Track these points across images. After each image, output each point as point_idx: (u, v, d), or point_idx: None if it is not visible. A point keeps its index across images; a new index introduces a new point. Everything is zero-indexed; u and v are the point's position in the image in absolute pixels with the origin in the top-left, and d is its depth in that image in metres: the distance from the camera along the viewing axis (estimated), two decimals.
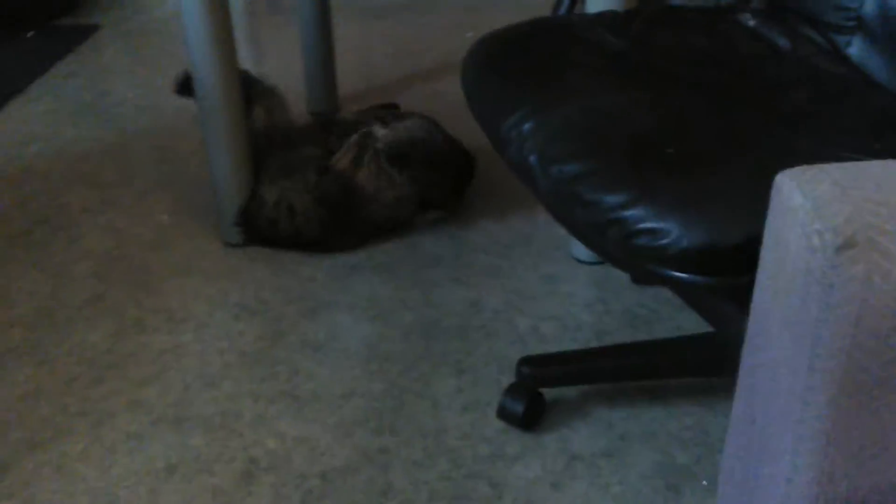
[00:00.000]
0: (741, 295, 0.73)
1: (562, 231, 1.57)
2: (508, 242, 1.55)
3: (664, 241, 0.72)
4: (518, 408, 1.13)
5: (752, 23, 1.14)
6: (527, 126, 0.92)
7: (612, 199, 0.77)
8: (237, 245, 1.55)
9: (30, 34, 2.67)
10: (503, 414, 1.15)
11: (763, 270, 0.58)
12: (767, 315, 0.56)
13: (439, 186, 1.60)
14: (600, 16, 1.18)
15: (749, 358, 0.61)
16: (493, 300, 1.39)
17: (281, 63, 2.40)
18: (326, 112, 2.01)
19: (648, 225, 0.73)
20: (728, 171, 0.77)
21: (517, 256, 1.51)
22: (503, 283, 1.44)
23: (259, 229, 1.52)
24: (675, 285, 0.85)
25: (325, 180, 1.51)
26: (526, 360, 1.15)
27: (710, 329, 1.25)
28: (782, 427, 0.52)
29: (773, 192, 0.56)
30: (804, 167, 0.54)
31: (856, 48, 1.02)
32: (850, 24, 1.04)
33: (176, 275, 1.48)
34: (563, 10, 1.30)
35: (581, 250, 1.48)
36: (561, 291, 1.41)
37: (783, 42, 1.09)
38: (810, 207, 0.49)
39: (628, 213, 0.75)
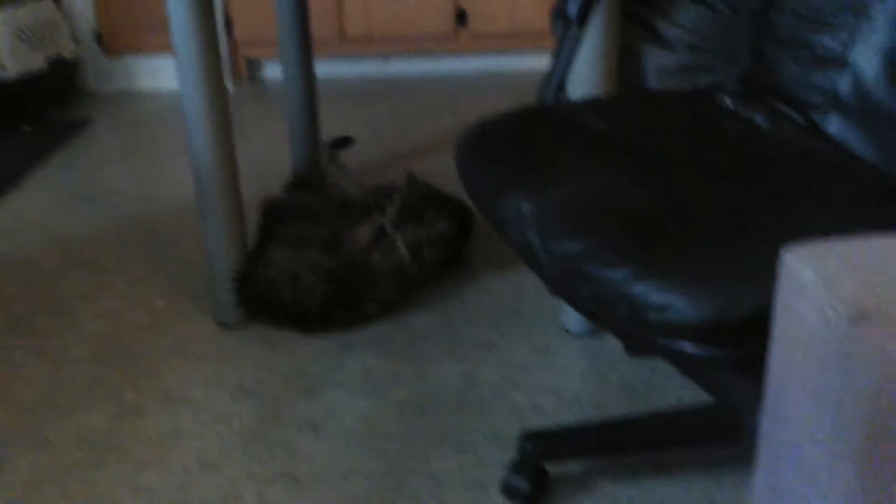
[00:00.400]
0: (747, 365, 0.77)
1: (551, 303, 1.60)
2: (498, 316, 1.58)
3: (673, 315, 0.75)
4: (522, 484, 1.14)
5: (730, 103, 1.21)
6: (525, 206, 0.96)
7: (617, 274, 0.80)
8: (232, 326, 1.56)
9: (26, 128, 2.72)
10: (507, 491, 1.16)
11: (776, 342, 0.61)
12: (785, 384, 0.59)
13: (447, 237, 1.65)
14: (585, 102, 1.25)
15: (769, 426, 0.64)
16: (488, 374, 1.41)
17: (268, 147, 2.46)
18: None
19: (655, 300, 0.76)
20: (728, 245, 0.82)
21: (508, 330, 1.54)
22: (496, 356, 1.46)
23: (258, 291, 1.51)
24: (677, 357, 0.88)
25: (338, 260, 1.54)
26: (528, 435, 1.16)
27: (708, 399, 1.28)
28: (808, 496, 0.54)
29: (782, 268, 0.59)
30: (810, 243, 0.58)
31: (834, 125, 1.08)
32: (827, 102, 1.10)
33: (173, 357, 1.49)
34: (548, 97, 1.37)
35: (572, 322, 1.51)
36: (555, 364, 1.43)
37: (763, 121, 1.15)
38: (821, 282, 0.52)
39: (635, 288, 0.78)
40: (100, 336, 1.56)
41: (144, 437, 1.30)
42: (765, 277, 0.63)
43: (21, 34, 2.74)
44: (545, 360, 1.45)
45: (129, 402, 1.37)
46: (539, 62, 3.18)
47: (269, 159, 2.36)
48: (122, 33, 3.11)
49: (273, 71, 3.31)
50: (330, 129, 2.58)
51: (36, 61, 2.78)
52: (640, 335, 0.82)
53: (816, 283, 0.50)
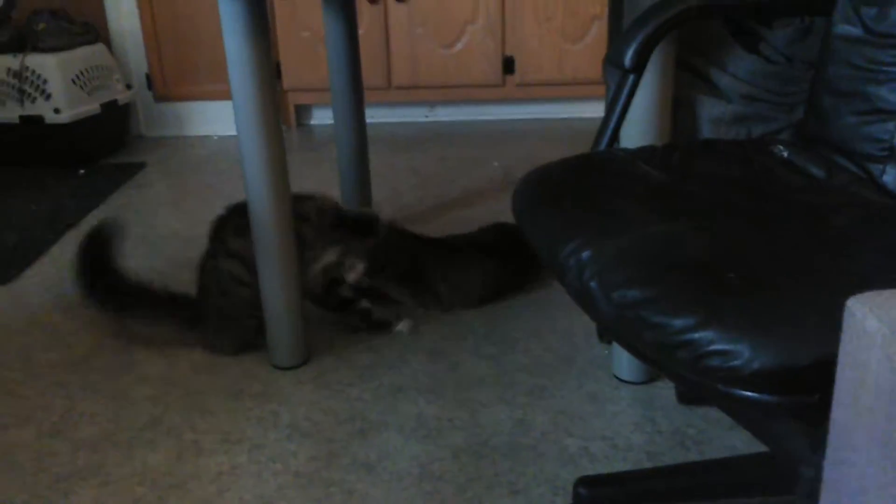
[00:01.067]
0: (809, 413, 0.77)
1: (602, 350, 1.61)
2: (550, 362, 1.59)
3: (736, 363, 0.76)
4: None
5: (785, 153, 1.22)
6: (585, 254, 0.98)
7: (679, 322, 0.81)
8: (285, 368, 1.59)
9: (82, 172, 2.82)
10: None
11: (841, 389, 0.62)
12: (850, 432, 0.60)
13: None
14: (640, 150, 1.26)
15: (832, 474, 0.64)
16: (540, 420, 1.42)
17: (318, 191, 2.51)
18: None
19: (719, 347, 0.77)
20: (789, 293, 0.82)
21: (560, 376, 1.54)
22: (548, 402, 1.46)
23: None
24: (735, 404, 0.88)
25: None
26: (583, 481, 1.16)
27: (763, 449, 1.27)
28: None
29: (846, 317, 0.60)
30: (874, 292, 0.59)
31: (891, 176, 1.09)
32: (884, 153, 1.11)
33: (228, 397, 1.51)
34: (602, 146, 1.39)
35: (624, 370, 1.51)
36: (607, 411, 1.43)
37: (818, 171, 1.16)
38: (887, 330, 0.53)
39: (697, 335, 0.79)
40: (158, 376, 1.59)
41: (204, 475, 1.32)
42: (828, 325, 0.64)
43: (76, 79, 2.84)
44: (597, 406, 1.45)
45: (188, 440, 1.40)
46: (587, 110, 3.22)
47: None
48: (172, 79, 3.22)
49: (319, 117, 3.39)
50: (377, 174, 2.62)
51: (90, 105, 2.88)
52: (702, 382, 0.83)
53: (882, 331, 0.51)
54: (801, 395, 0.75)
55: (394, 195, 2.50)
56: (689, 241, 0.97)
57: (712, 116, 1.40)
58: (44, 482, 1.31)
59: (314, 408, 1.48)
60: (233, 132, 3.21)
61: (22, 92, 2.81)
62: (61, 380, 1.60)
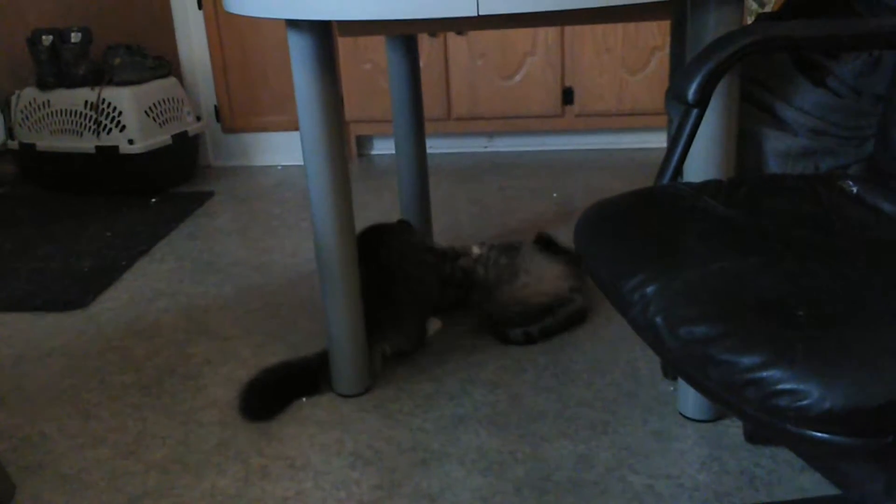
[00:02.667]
0: (883, 455, 0.76)
1: (666, 387, 1.59)
2: (613, 397, 1.58)
3: (805, 402, 0.75)
4: None
5: (854, 188, 1.20)
6: (650, 289, 0.98)
7: (747, 360, 0.81)
8: (349, 396, 1.61)
9: (153, 200, 2.92)
10: None
11: None
12: None
13: None
14: (705, 185, 1.26)
15: None
16: (604, 456, 1.41)
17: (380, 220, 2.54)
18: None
19: (788, 386, 0.76)
20: (862, 331, 0.81)
21: (623, 412, 1.53)
22: (611, 438, 1.46)
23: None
24: (805, 445, 0.87)
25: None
26: None
27: (834, 491, 1.24)
28: None
29: None
30: None
31: None
32: None
33: (293, 423, 1.54)
34: (665, 179, 1.39)
35: (689, 407, 1.49)
36: (673, 449, 1.42)
37: (888, 207, 1.14)
38: None
39: (766, 373, 0.78)
40: (226, 401, 1.63)
41: (270, 499, 1.34)
42: None
43: (149, 111, 2.95)
44: (662, 444, 1.43)
45: (255, 465, 1.43)
46: (647, 140, 3.21)
47: None
48: (239, 111, 3.31)
49: (381, 147, 3.44)
50: (438, 204, 2.65)
51: (162, 137, 2.99)
52: (770, 422, 0.82)
53: None
54: (873, 437, 0.74)
55: (454, 225, 2.52)
56: (758, 277, 0.96)
57: (779, 150, 1.39)
58: (117, 502, 1.35)
59: (377, 436, 1.49)
60: (297, 162, 3.29)
61: (98, 123, 2.93)
62: (135, 402, 1.65)
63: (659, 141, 3.13)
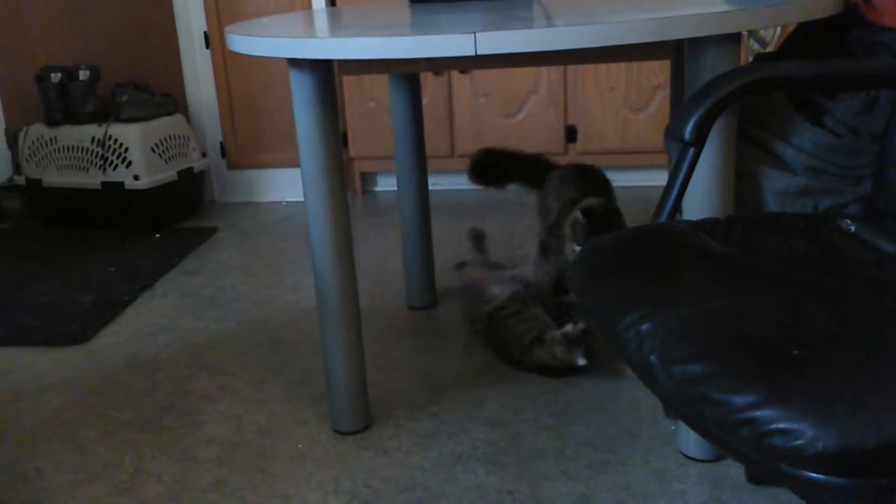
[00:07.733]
0: (878, 496, 0.75)
1: (667, 426, 1.58)
2: (613, 436, 1.56)
3: (799, 442, 0.74)
4: None
5: (853, 227, 1.20)
6: (645, 326, 0.97)
7: (741, 399, 0.80)
8: (347, 433, 1.60)
9: (157, 236, 2.93)
10: None
11: None
12: None
13: None
14: (702, 222, 1.26)
15: None
16: (604, 496, 1.39)
17: (380, 259, 2.55)
18: None
19: (781, 425, 0.75)
20: (856, 372, 0.81)
21: (624, 451, 1.51)
22: (612, 477, 1.44)
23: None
24: (803, 486, 0.86)
25: None
26: None
27: None
28: None
29: None
30: None
31: None
32: None
33: (291, 461, 1.53)
34: (663, 217, 1.39)
35: (691, 446, 1.48)
36: (674, 489, 1.40)
37: (887, 246, 1.13)
38: None
39: (759, 413, 0.78)
40: (223, 438, 1.62)
41: None
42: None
43: (155, 147, 2.98)
44: (663, 484, 1.42)
45: (251, 503, 1.42)
46: (651, 178, 3.22)
47: (383, 269, 2.45)
48: (244, 147, 3.34)
49: (384, 184, 3.46)
50: (440, 241, 2.65)
51: (167, 173, 3.01)
52: (765, 462, 0.81)
53: None
54: (868, 478, 0.73)
55: (456, 261, 2.52)
56: (752, 316, 0.96)
57: (777, 189, 1.39)
58: None
59: (374, 475, 1.48)
60: (301, 198, 3.29)
61: (104, 159, 2.95)
62: (132, 438, 1.64)
63: (662, 179, 3.13)
